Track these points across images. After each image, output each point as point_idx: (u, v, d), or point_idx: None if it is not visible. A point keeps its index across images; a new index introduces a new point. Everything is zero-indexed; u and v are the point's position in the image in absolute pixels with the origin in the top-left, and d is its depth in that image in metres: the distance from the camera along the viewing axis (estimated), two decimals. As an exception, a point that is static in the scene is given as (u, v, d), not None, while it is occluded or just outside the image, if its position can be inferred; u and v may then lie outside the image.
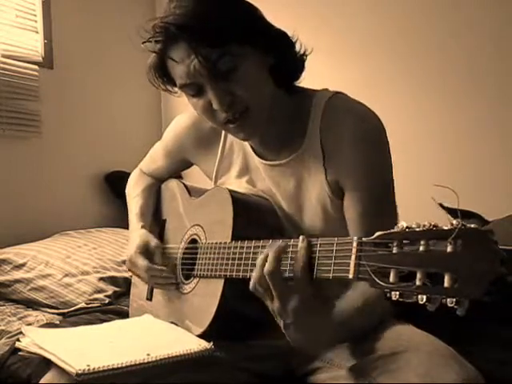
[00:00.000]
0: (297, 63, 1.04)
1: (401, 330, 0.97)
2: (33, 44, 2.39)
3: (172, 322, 1.13)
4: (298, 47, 1.03)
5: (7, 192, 2.24)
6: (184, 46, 0.92)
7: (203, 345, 0.95)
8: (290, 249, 0.84)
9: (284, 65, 1.02)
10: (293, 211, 1.08)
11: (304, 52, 1.04)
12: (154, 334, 1.08)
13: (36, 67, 2.34)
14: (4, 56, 2.21)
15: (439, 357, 0.84)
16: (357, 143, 0.98)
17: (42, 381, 0.92)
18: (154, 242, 1.21)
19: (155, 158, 1.36)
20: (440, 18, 2.35)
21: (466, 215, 1.86)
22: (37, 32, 2.41)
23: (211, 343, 0.95)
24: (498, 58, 2.23)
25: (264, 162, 1.10)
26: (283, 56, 1.01)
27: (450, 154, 2.33)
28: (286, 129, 1.06)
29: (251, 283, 0.84)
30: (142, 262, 1.18)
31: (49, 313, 1.79)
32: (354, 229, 1.00)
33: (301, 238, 0.81)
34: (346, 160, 0.99)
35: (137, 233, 1.25)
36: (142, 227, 1.27)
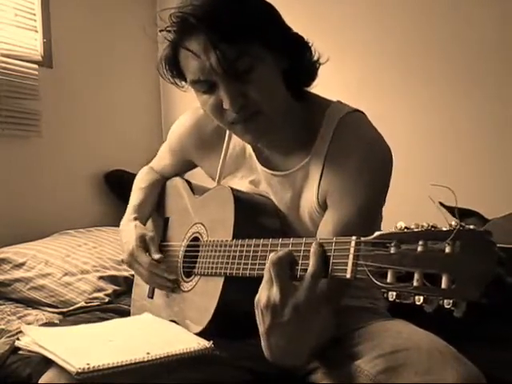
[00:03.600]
0: (310, 69, 1.03)
1: (400, 328, 0.97)
2: (32, 43, 2.38)
3: (173, 321, 1.13)
4: (312, 53, 1.02)
5: (7, 191, 2.24)
6: (202, 39, 0.90)
7: (203, 344, 0.95)
8: (302, 247, 0.83)
9: (297, 70, 1.00)
10: (286, 219, 1.08)
11: (318, 59, 1.03)
12: (154, 333, 1.08)
13: (35, 66, 2.34)
14: (3, 55, 2.21)
15: (440, 355, 0.84)
16: (357, 172, 0.96)
17: (41, 380, 0.92)
18: (149, 234, 1.18)
19: (163, 156, 1.36)
20: (440, 17, 2.35)
21: (466, 214, 1.87)
22: (36, 31, 2.40)
23: (211, 342, 0.95)
24: (498, 57, 2.23)
25: (266, 169, 1.09)
26: (297, 61, 1.00)
27: (450, 152, 2.33)
28: (294, 137, 1.05)
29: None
30: (144, 257, 1.14)
31: (48, 312, 1.79)
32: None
33: (314, 241, 0.80)
34: (340, 182, 0.98)
35: (131, 224, 1.22)
36: (135, 219, 1.24)
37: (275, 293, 0.78)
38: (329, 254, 0.77)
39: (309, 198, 1.03)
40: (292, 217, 1.07)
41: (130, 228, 1.22)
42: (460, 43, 2.29)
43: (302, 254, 0.82)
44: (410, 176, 2.06)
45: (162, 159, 1.36)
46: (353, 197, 0.97)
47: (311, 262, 0.78)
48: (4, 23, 2.24)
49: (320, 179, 1.01)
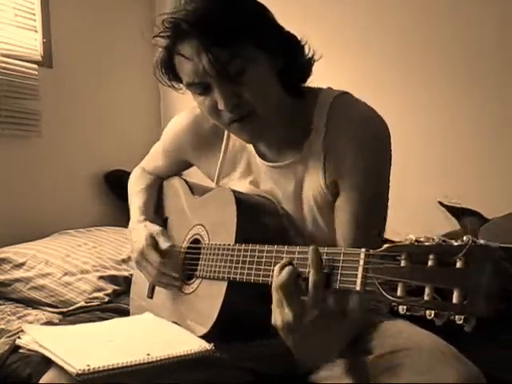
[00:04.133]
0: (305, 67, 1.04)
1: (401, 327, 0.97)
2: (32, 43, 2.38)
3: (173, 322, 1.13)
4: (306, 51, 1.03)
5: (7, 191, 2.24)
6: (194, 43, 0.91)
7: (203, 345, 0.95)
8: (296, 255, 0.82)
9: (292, 69, 1.01)
10: (293, 212, 1.08)
11: (312, 56, 1.03)
12: (155, 334, 1.08)
13: (35, 66, 2.34)
14: (3, 55, 2.21)
15: (440, 355, 0.84)
16: (359, 148, 0.97)
17: (42, 380, 0.92)
18: (156, 228, 1.18)
19: (155, 157, 1.35)
20: (440, 17, 2.35)
21: (467, 213, 1.87)
22: (36, 31, 2.40)
23: (211, 344, 0.95)
24: (498, 57, 2.23)
25: (266, 163, 1.09)
26: (292, 60, 1.00)
27: (450, 152, 2.33)
28: (289, 130, 1.05)
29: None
30: (154, 256, 1.13)
31: (48, 312, 1.79)
32: (342, 224, 0.99)
33: (311, 249, 0.79)
34: (346, 162, 0.98)
35: (141, 225, 1.23)
36: (145, 220, 1.25)
37: (287, 314, 0.78)
38: (337, 264, 0.76)
39: (313, 184, 1.03)
40: (296, 208, 1.07)
41: (140, 227, 1.22)
42: (460, 43, 2.29)
43: (309, 262, 0.81)
44: (410, 176, 2.06)
45: (155, 160, 1.35)
46: (355, 181, 0.98)
47: (310, 272, 0.78)
48: (4, 23, 2.24)
49: (324, 163, 1.01)
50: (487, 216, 1.95)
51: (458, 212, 1.97)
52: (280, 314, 0.79)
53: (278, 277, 0.80)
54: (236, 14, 0.92)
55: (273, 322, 0.81)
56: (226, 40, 0.90)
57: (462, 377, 0.80)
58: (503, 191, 2.18)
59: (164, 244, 1.14)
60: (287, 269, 0.80)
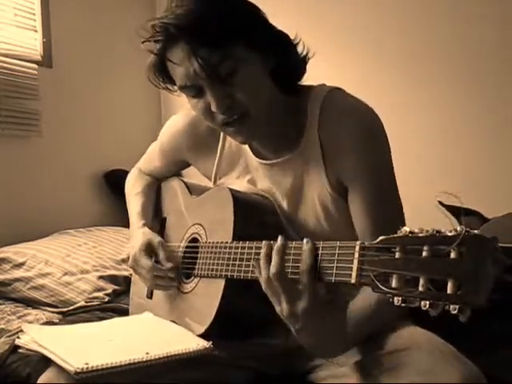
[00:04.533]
0: (298, 66, 1.04)
1: (402, 327, 0.97)
2: (32, 43, 2.38)
3: (172, 321, 1.13)
4: (300, 49, 1.02)
5: (7, 191, 2.24)
6: (184, 47, 0.91)
7: (202, 344, 0.95)
8: (292, 250, 0.83)
9: (285, 68, 1.01)
10: (292, 210, 1.07)
11: (306, 54, 1.03)
12: (154, 333, 1.08)
13: (35, 66, 2.34)
14: (3, 55, 2.21)
15: (441, 355, 0.84)
16: (356, 139, 0.97)
17: (40, 379, 0.92)
18: (157, 239, 1.19)
19: (152, 158, 1.35)
20: (440, 17, 2.35)
21: (466, 213, 1.86)
22: (36, 31, 2.40)
23: (210, 342, 0.95)
24: (498, 57, 2.23)
25: (263, 161, 1.09)
26: (284, 59, 1.00)
27: (450, 151, 2.33)
28: (283, 128, 1.05)
29: (263, 285, 0.84)
30: (146, 260, 1.15)
31: (48, 311, 1.79)
32: (360, 220, 0.99)
33: (305, 240, 0.81)
34: (346, 156, 0.98)
35: (139, 231, 1.24)
36: (144, 225, 1.26)
37: (285, 305, 0.80)
38: (333, 258, 0.77)
39: (318, 181, 1.02)
40: (295, 206, 1.07)
41: (138, 234, 1.23)
42: (460, 43, 2.29)
43: (302, 251, 0.81)
44: (410, 176, 2.06)
45: (152, 161, 1.35)
46: (359, 173, 0.98)
47: (302, 259, 0.79)
48: (4, 23, 2.24)
49: (323, 159, 1.01)
50: (487, 216, 1.95)
51: (458, 212, 1.96)
52: (279, 307, 0.81)
53: (265, 274, 0.81)
54: (226, 16, 0.92)
55: (277, 311, 0.83)
56: (216, 42, 0.90)
57: (463, 377, 0.80)
58: (503, 191, 2.18)
59: (168, 264, 1.14)
60: (274, 262, 0.81)
